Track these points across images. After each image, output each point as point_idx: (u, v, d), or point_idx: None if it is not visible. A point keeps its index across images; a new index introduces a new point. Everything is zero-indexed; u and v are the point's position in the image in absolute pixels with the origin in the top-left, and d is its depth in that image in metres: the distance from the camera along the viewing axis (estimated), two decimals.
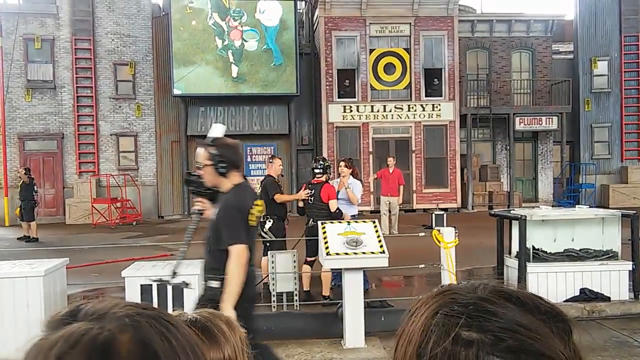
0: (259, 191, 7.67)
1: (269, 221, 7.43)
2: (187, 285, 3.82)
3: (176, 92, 18.97)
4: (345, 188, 7.79)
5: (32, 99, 19.47)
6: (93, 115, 19.66)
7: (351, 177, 7.92)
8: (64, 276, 6.08)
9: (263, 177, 7.92)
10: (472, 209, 19.73)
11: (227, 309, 3.12)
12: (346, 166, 7.91)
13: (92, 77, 19.61)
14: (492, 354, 0.57)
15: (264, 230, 7.46)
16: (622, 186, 21.05)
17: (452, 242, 6.41)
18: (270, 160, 7.89)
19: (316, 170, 7.40)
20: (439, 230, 6.60)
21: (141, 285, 5.48)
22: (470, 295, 0.63)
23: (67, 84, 19.56)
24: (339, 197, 7.55)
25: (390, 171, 13.20)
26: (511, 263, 7.37)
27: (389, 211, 13.24)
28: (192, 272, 5.62)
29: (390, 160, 13.42)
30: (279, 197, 7.44)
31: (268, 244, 7.40)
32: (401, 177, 13.42)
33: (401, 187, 13.29)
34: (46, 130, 19.56)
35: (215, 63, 19.11)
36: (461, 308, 0.61)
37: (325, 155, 18.76)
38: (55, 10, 19.55)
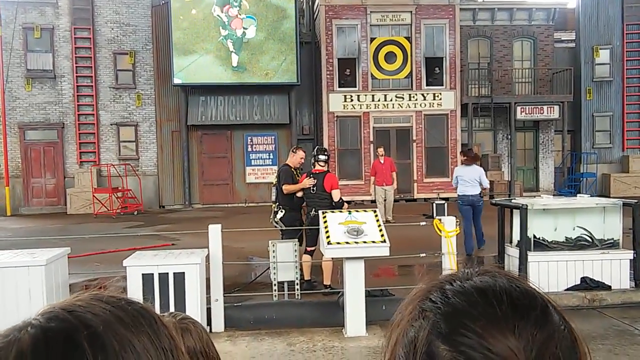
0: (275, 180, 7.68)
1: (281, 211, 7.41)
2: None
3: (176, 81, 18.91)
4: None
5: (32, 89, 19.42)
6: (93, 105, 19.62)
7: (476, 165, 9.60)
8: (66, 266, 6.09)
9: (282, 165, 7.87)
10: None
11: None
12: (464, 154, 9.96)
13: (92, 67, 19.55)
14: None
15: (275, 219, 7.46)
16: (624, 175, 21.03)
17: (453, 231, 6.41)
18: (294, 150, 7.77)
19: (321, 157, 7.36)
20: (440, 220, 6.60)
21: (143, 274, 5.50)
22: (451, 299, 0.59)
23: (67, 74, 19.50)
24: (465, 179, 9.38)
25: (382, 162, 13.64)
26: (512, 252, 7.38)
27: (385, 199, 13.63)
28: (192, 262, 5.65)
29: (380, 151, 13.82)
30: (286, 188, 7.37)
31: (282, 234, 7.40)
32: (392, 165, 14.03)
33: (394, 174, 13.78)
34: (46, 120, 19.53)
35: (215, 52, 19.03)
36: (434, 321, 0.59)
37: (326, 144, 18.76)
38: None
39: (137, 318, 0.58)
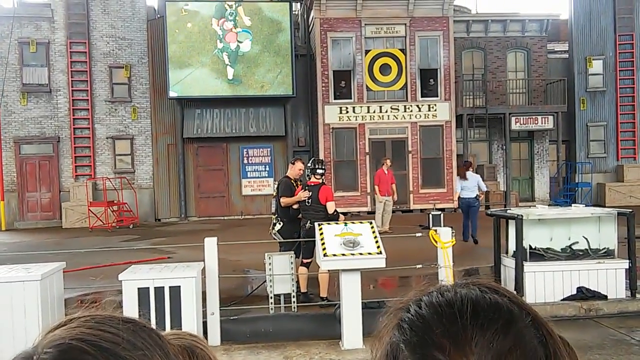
0: (275, 192, 7.74)
1: (279, 223, 7.44)
2: None
3: (172, 94, 18.94)
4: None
5: (27, 103, 19.42)
6: (89, 119, 19.62)
7: (471, 173, 12.01)
8: (61, 280, 6.07)
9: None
10: None
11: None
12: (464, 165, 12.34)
13: (87, 80, 19.57)
14: None
15: (274, 231, 7.49)
16: (618, 185, 21.11)
17: (449, 242, 6.42)
18: (293, 162, 7.88)
19: (319, 171, 7.39)
20: (436, 231, 6.61)
21: (138, 288, 5.48)
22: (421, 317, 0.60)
23: (63, 87, 19.52)
24: (468, 185, 11.88)
25: (386, 172, 13.85)
26: (508, 262, 7.38)
27: (384, 210, 13.84)
28: (188, 275, 5.63)
29: (389, 162, 14.17)
30: (283, 201, 7.41)
31: (281, 246, 7.42)
32: (393, 177, 14.36)
33: (393, 186, 14.12)
34: (42, 134, 19.51)
35: (210, 65, 19.09)
36: (407, 336, 0.60)
37: (321, 156, 18.77)
38: (50, 14, 19.52)
39: (145, 339, 0.58)
